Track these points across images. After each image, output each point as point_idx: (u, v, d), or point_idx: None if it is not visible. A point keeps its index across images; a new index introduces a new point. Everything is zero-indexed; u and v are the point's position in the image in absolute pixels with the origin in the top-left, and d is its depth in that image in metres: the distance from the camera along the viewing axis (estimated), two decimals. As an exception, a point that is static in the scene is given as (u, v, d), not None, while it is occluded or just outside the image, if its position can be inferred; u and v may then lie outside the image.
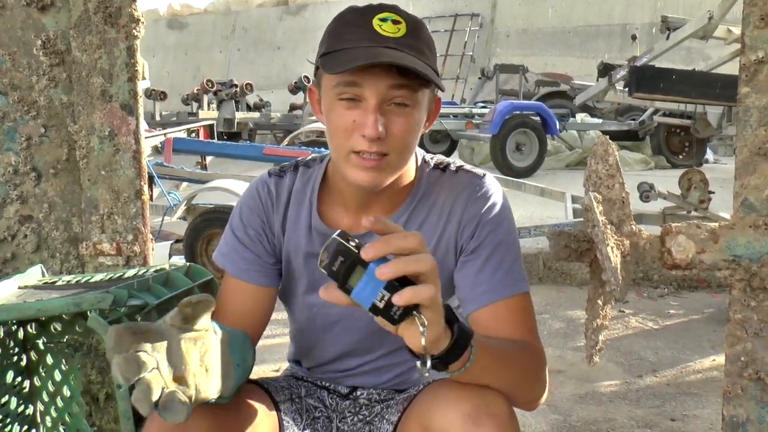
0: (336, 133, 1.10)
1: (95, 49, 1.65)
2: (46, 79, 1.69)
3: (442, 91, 1.13)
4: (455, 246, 1.18)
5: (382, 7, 1.09)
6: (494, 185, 1.21)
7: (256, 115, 10.88)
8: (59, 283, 1.41)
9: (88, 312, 1.16)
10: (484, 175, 1.22)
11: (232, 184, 4.19)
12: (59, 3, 1.68)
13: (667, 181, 5.09)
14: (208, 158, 6.33)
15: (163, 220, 4.33)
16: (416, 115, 1.10)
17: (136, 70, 1.68)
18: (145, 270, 1.43)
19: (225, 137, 9.58)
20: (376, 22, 1.06)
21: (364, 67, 1.02)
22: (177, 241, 4.44)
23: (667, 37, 6.45)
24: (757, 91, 1.25)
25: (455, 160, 1.26)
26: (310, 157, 1.30)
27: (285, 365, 1.42)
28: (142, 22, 1.68)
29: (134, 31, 1.65)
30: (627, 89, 6.64)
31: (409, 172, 1.19)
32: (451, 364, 0.92)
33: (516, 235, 1.20)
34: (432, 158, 1.25)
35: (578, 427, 2.33)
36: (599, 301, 1.35)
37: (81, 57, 1.66)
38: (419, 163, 1.23)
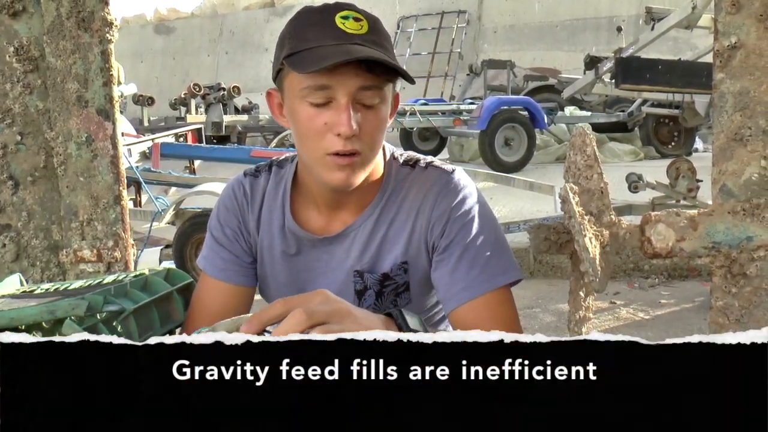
0: (307, 135, 1.08)
1: (69, 54, 1.64)
2: (21, 86, 1.68)
3: (412, 84, 1.12)
4: (426, 244, 1.17)
5: (340, 6, 1.08)
6: (464, 180, 1.18)
7: (244, 117, 10.82)
8: (37, 291, 1.39)
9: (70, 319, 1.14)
10: (454, 170, 1.19)
11: (219, 187, 4.18)
12: (31, 9, 1.66)
13: (658, 171, 5.09)
14: (197, 162, 6.31)
15: (151, 225, 4.31)
16: (384, 110, 1.09)
17: (111, 75, 1.66)
18: (124, 275, 1.41)
19: (214, 141, 9.54)
20: (338, 20, 1.05)
21: (335, 66, 1.01)
22: (167, 246, 4.42)
23: (652, 28, 6.45)
24: (732, 77, 1.24)
25: (426, 156, 1.24)
26: (283, 157, 1.29)
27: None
28: (116, 26, 1.66)
29: (108, 35, 1.64)
30: (614, 81, 6.65)
31: (377, 168, 1.18)
32: None
33: (493, 228, 1.16)
34: (401, 154, 1.23)
35: (570, 419, 2.33)
36: (581, 293, 1.34)
37: (55, 63, 1.64)
38: (387, 159, 1.21)
